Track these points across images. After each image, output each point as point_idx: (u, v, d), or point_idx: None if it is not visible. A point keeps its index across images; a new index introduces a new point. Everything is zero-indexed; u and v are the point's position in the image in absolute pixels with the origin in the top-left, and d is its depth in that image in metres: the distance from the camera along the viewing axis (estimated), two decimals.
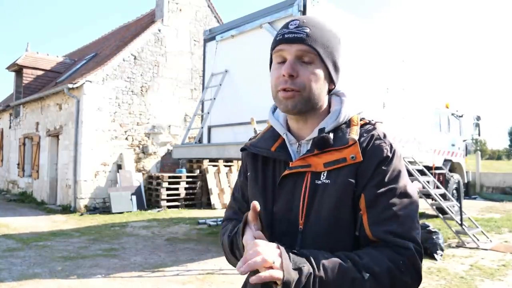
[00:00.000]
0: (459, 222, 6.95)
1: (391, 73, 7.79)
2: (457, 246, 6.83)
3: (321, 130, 1.06)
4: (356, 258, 0.92)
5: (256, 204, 0.97)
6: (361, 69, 7.02)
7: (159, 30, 12.40)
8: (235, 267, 1.00)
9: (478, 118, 11.62)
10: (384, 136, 1.06)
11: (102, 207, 10.92)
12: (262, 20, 6.48)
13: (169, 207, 11.39)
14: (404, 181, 1.02)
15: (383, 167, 1.00)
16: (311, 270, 0.87)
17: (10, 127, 16.29)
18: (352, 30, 6.92)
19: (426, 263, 5.71)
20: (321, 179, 1.02)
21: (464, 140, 11.40)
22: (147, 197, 11.53)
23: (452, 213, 7.31)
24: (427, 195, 7.87)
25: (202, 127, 7.54)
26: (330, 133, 1.06)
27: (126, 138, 11.57)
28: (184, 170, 12.12)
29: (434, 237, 6.08)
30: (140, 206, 10.97)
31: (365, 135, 1.05)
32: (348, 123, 1.09)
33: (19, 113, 15.31)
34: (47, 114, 12.81)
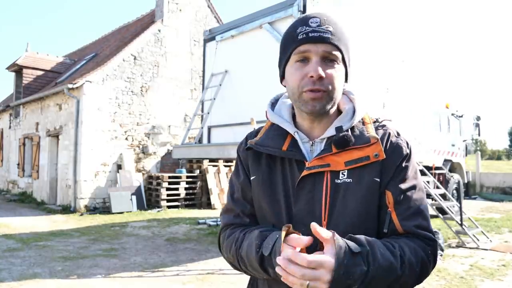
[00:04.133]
0: (459, 222, 6.94)
1: (391, 73, 7.79)
2: (457, 246, 6.83)
3: (339, 129, 1.04)
4: (402, 252, 0.95)
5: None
6: (361, 69, 7.02)
7: (159, 30, 12.40)
8: (258, 276, 1.06)
9: (478, 118, 11.61)
10: (398, 133, 1.09)
11: (102, 207, 10.92)
12: (262, 20, 6.48)
13: (169, 207, 11.39)
14: (420, 177, 1.08)
15: (404, 164, 1.04)
16: (364, 271, 0.87)
17: (10, 127, 16.29)
18: (352, 30, 6.91)
19: None
20: (341, 178, 1.01)
21: (464, 140, 11.40)
22: (147, 197, 11.53)
23: (452, 213, 7.31)
24: (427, 195, 7.86)
25: (202, 127, 7.53)
26: (348, 132, 1.05)
27: (126, 138, 11.57)
28: (184, 170, 12.12)
29: (434, 237, 6.07)
30: (140, 206, 10.97)
31: (380, 133, 1.07)
32: (362, 121, 1.10)
33: (19, 113, 15.30)
34: (47, 114, 12.81)
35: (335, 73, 1.02)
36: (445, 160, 10.21)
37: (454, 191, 10.06)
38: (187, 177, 11.93)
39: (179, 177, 11.73)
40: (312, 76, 0.99)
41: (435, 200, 7.45)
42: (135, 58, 11.85)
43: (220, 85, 7.19)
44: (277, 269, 0.89)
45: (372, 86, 7.29)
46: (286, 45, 1.06)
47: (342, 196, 1.00)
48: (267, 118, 1.18)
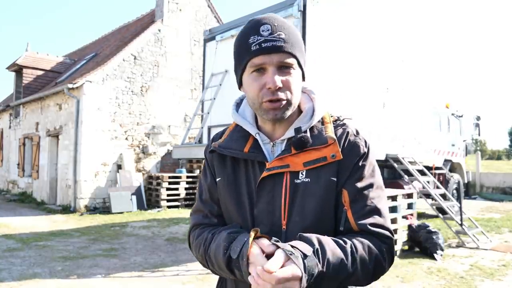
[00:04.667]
0: (459, 222, 6.94)
1: (391, 73, 7.79)
2: (457, 246, 6.83)
3: (298, 130, 1.05)
4: (353, 249, 0.97)
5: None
6: (361, 69, 7.02)
7: (159, 30, 12.40)
8: (217, 274, 1.10)
9: (478, 118, 11.62)
10: (357, 132, 1.09)
11: (102, 207, 10.92)
12: None
13: (169, 207, 11.39)
14: (379, 175, 1.09)
15: (361, 163, 1.05)
16: (319, 269, 0.90)
17: (10, 127, 16.28)
18: (352, 30, 6.92)
19: (426, 263, 5.71)
20: (300, 178, 1.03)
21: (464, 140, 11.40)
22: (147, 197, 11.54)
23: (452, 213, 7.31)
24: (427, 195, 7.87)
25: (202, 127, 7.53)
26: (307, 132, 1.06)
27: (126, 138, 11.57)
28: (184, 170, 12.12)
29: (434, 237, 6.08)
30: (140, 206, 10.97)
31: (339, 132, 1.08)
32: (321, 121, 1.10)
33: (19, 113, 15.30)
34: (47, 114, 12.81)
35: (292, 80, 1.01)
36: (445, 160, 10.21)
37: (454, 191, 10.06)
38: (187, 177, 11.93)
39: (179, 177, 11.73)
40: (270, 88, 1.00)
41: (435, 200, 7.45)
42: (135, 58, 11.85)
43: (220, 85, 7.19)
44: (250, 279, 0.91)
45: (372, 86, 7.29)
46: (240, 55, 1.06)
47: (301, 196, 1.02)
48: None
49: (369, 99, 7.25)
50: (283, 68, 1.01)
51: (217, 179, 1.14)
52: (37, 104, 13.48)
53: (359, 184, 1.03)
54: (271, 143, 1.09)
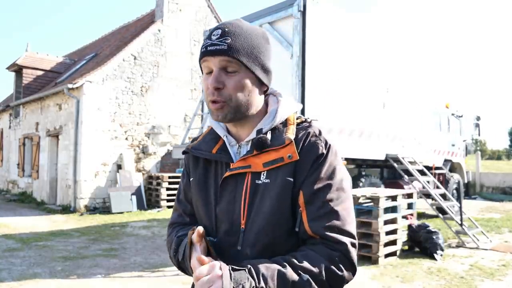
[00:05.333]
0: (459, 222, 6.95)
1: (391, 73, 7.79)
2: (457, 246, 6.83)
3: (259, 131, 1.08)
4: (295, 262, 0.95)
5: (200, 229, 1.01)
6: (361, 69, 7.02)
7: (159, 30, 12.40)
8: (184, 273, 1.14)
9: (478, 118, 11.62)
10: (320, 133, 1.08)
11: (102, 207, 10.92)
12: (262, 20, 6.48)
13: (169, 207, 11.38)
14: (340, 177, 1.05)
15: (318, 164, 1.04)
16: (253, 284, 0.90)
17: (10, 127, 16.29)
18: (352, 30, 6.92)
19: (426, 263, 5.72)
20: (261, 179, 1.05)
21: (464, 140, 11.40)
22: (147, 197, 11.54)
23: (452, 213, 7.31)
24: (427, 195, 7.88)
25: (202, 127, 7.54)
26: (268, 133, 1.08)
27: (126, 138, 11.57)
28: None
29: (434, 237, 6.08)
30: (140, 206, 10.97)
31: (301, 133, 1.08)
32: (285, 123, 1.11)
33: (19, 113, 15.30)
34: (47, 114, 12.81)
35: (234, 84, 1.04)
36: (445, 160, 10.21)
37: (454, 191, 10.06)
38: None
39: (179, 177, 11.70)
40: (209, 88, 1.05)
41: (435, 200, 7.45)
42: (135, 58, 11.85)
43: None
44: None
45: (372, 86, 7.29)
46: (199, 56, 1.12)
47: (260, 196, 1.04)
48: None
49: (369, 99, 7.24)
50: (228, 71, 1.05)
51: (191, 179, 1.20)
52: (37, 104, 13.48)
53: (315, 186, 1.02)
54: (237, 145, 1.13)
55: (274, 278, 0.92)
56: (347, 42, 6.74)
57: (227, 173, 1.08)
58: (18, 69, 15.16)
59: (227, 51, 1.02)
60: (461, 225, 6.94)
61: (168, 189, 11.42)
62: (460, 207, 7.18)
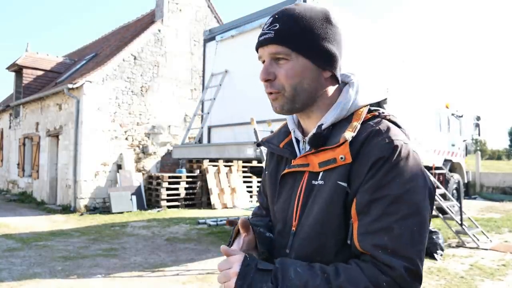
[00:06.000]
0: (459, 222, 6.95)
1: (391, 73, 7.79)
2: (457, 246, 6.83)
3: (320, 126, 0.99)
4: (332, 276, 0.83)
5: (243, 219, 1.01)
6: (361, 69, 7.02)
7: (159, 30, 12.40)
8: None
9: (478, 118, 11.62)
10: (387, 131, 0.91)
11: (102, 207, 10.92)
12: (262, 20, 6.48)
13: (169, 207, 11.39)
14: (408, 187, 0.85)
15: (377, 168, 0.87)
16: (270, 287, 0.84)
17: (10, 127, 16.29)
18: (352, 30, 6.92)
19: (426, 263, 5.71)
20: (318, 180, 0.96)
21: (464, 140, 11.40)
22: (147, 197, 11.54)
23: (452, 213, 7.31)
24: None
25: (202, 127, 7.54)
26: (331, 129, 0.98)
27: (126, 138, 11.57)
28: (184, 170, 12.12)
29: (434, 237, 6.08)
30: (140, 206, 10.97)
31: (367, 131, 0.93)
32: (351, 117, 0.98)
33: (19, 113, 15.30)
34: (47, 114, 12.81)
35: (285, 72, 0.96)
36: (445, 160, 10.21)
37: (454, 191, 10.06)
38: (187, 177, 11.93)
39: (179, 177, 11.73)
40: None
41: (435, 200, 7.45)
42: (135, 58, 11.85)
43: (220, 85, 7.19)
44: None
45: (372, 86, 7.29)
46: None
47: (313, 198, 0.95)
48: None
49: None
50: (279, 60, 0.98)
51: (266, 172, 1.17)
52: (37, 104, 13.48)
53: (371, 195, 0.86)
54: (303, 140, 1.06)
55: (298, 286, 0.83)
56: (347, 42, 6.74)
57: (286, 170, 1.02)
58: (18, 69, 15.16)
59: (273, 38, 0.96)
60: (461, 225, 6.94)
61: (168, 189, 11.42)
62: (460, 207, 7.18)
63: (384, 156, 0.87)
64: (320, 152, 0.96)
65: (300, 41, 0.95)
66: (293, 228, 0.99)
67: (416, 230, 0.83)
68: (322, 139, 0.96)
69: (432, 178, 8.15)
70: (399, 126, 0.97)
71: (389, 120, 0.97)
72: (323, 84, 1.00)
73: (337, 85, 1.03)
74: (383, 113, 0.98)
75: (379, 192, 0.85)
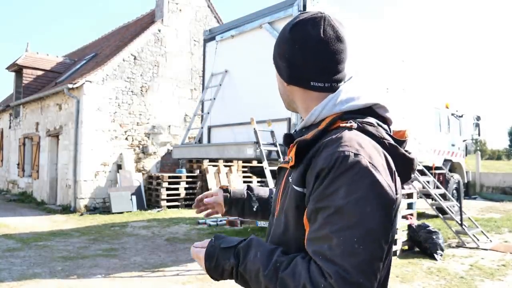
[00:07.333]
0: (459, 222, 6.95)
1: (391, 73, 7.79)
2: (457, 246, 6.83)
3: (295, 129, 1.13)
4: (282, 267, 0.88)
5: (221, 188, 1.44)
6: (360, 69, 7.02)
7: (159, 30, 12.40)
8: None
9: (478, 118, 11.62)
10: (338, 140, 0.90)
11: (102, 207, 10.92)
12: (262, 20, 6.48)
13: (169, 207, 11.39)
14: (351, 199, 0.83)
15: (322, 179, 0.87)
16: (233, 264, 0.97)
17: (10, 127, 16.29)
18: (352, 30, 6.92)
19: (426, 263, 5.72)
20: (291, 176, 1.01)
21: (464, 140, 11.40)
22: (147, 197, 11.54)
23: (452, 213, 7.31)
24: (427, 195, 7.87)
25: (202, 127, 7.54)
26: (304, 131, 1.04)
27: (126, 138, 11.57)
28: (184, 170, 12.12)
29: (434, 237, 6.08)
30: (140, 206, 10.97)
31: (327, 138, 0.94)
32: (319, 124, 0.99)
33: (19, 113, 15.31)
34: (47, 114, 12.81)
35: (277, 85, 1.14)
36: (445, 160, 10.21)
37: (454, 191, 10.06)
38: (187, 177, 11.93)
39: (179, 177, 11.73)
40: None
41: (435, 200, 7.45)
42: (135, 58, 11.85)
43: (220, 85, 7.19)
44: None
45: (372, 86, 7.29)
46: None
47: (286, 193, 1.01)
48: None
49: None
50: None
51: None
52: (37, 104, 13.48)
53: (314, 203, 0.87)
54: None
55: (251, 273, 0.92)
56: (346, 42, 6.74)
57: (279, 165, 1.13)
58: (18, 69, 15.16)
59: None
60: (461, 225, 6.94)
61: (168, 189, 11.42)
62: (460, 207, 7.18)
63: (326, 167, 0.87)
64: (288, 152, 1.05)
65: (276, 58, 1.10)
66: (274, 218, 1.08)
67: (356, 241, 0.81)
68: (291, 140, 1.03)
69: (432, 178, 8.15)
70: (374, 135, 0.95)
71: (361, 129, 0.95)
72: (293, 94, 1.09)
73: (320, 92, 1.03)
74: (349, 123, 0.96)
75: (322, 202, 0.86)
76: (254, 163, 11.58)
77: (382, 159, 0.90)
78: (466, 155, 11.71)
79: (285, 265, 0.88)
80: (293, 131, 1.12)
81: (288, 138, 1.05)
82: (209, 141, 7.52)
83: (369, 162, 0.86)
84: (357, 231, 0.82)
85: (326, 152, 0.89)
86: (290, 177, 1.01)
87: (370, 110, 1.02)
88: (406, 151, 1.00)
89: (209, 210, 1.47)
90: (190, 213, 10.79)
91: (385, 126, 1.01)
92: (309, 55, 1.02)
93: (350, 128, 0.94)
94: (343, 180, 0.85)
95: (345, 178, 0.85)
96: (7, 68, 15.55)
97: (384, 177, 0.86)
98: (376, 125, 0.98)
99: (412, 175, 1.00)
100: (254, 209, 1.42)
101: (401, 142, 1.01)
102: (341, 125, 0.96)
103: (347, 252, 0.81)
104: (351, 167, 0.85)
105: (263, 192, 1.45)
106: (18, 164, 14.79)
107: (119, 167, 11.30)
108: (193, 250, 1.08)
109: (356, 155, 0.86)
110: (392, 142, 0.98)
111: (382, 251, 0.84)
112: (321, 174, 0.87)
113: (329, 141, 0.91)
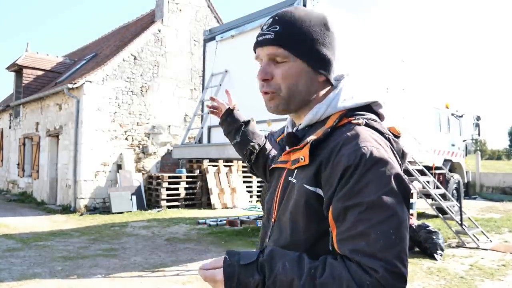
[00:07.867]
0: (459, 222, 6.95)
1: (391, 73, 7.79)
2: (457, 246, 6.83)
3: (297, 128, 1.07)
4: (318, 272, 0.84)
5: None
6: (360, 69, 7.02)
7: (159, 30, 12.40)
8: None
9: (478, 118, 11.62)
10: (355, 137, 0.91)
11: (102, 207, 10.92)
12: (262, 20, 6.48)
13: (169, 207, 11.39)
14: (381, 192, 0.85)
15: (348, 177, 0.87)
16: (259, 279, 0.86)
17: (10, 127, 16.29)
18: (352, 30, 6.92)
19: (426, 263, 5.71)
20: (293, 177, 0.99)
21: (464, 140, 11.41)
22: (147, 197, 11.54)
23: (452, 213, 7.31)
24: (427, 195, 7.87)
25: (202, 127, 7.53)
26: (307, 130, 1.03)
27: (126, 138, 11.57)
28: (184, 170, 12.12)
29: (434, 237, 6.08)
30: (140, 206, 10.97)
31: (336, 138, 0.93)
32: (325, 121, 0.99)
33: (19, 113, 15.31)
34: (47, 114, 12.81)
35: (282, 73, 0.99)
36: (445, 160, 10.21)
37: (454, 191, 10.06)
38: (187, 177, 11.93)
39: (179, 177, 11.73)
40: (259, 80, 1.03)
41: (435, 200, 7.45)
42: (135, 58, 11.85)
43: (220, 85, 7.19)
44: None
45: (372, 86, 7.29)
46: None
47: (288, 193, 0.99)
48: None
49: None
50: (278, 63, 1.00)
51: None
52: (37, 104, 13.48)
53: (344, 203, 0.86)
54: None
55: (284, 284, 0.84)
56: (346, 42, 6.74)
57: (273, 165, 1.10)
58: (18, 69, 15.16)
59: (273, 40, 0.98)
60: (461, 225, 6.94)
61: (168, 189, 11.42)
62: (460, 207, 7.18)
63: (352, 164, 0.87)
64: (296, 151, 1.01)
65: (299, 45, 0.98)
66: (273, 220, 1.05)
67: (393, 233, 0.83)
68: (295, 139, 1.01)
69: (432, 178, 8.15)
70: (380, 131, 0.97)
71: (368, 125, 0.96)
72: (316, 87, 1.03)
73: (328, 88, 1.05)
74: (359, 119, 0.97)
75: (353, 199, 0.86)
76: None
77: (392, 153, 0.94)
78: (466, 155, 11.72)
79: (321, 270, 0.84)
80: (295, 129, 1.08)
81: (293, 138, 1.02)
82: (209, 141, 7.52)
83: (389, 157, 0.89)
84: (392, 223, 0.84)
85: (347, 150, 0.89)
86: (291, 178, 1.00)
87: (368, 107, 1.03)
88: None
89: (214, 109, 1.72)
90: (190, 213, 10.79)
91: (382, 122, 1.04)
92: (334, 50, 1.05)
93: (359, 125, 0.95)
94: (370, 177, 0.86)
95: (371, 174, 0.86)
96: (7, 68, 15.55)
97: (401, 170, 0.92)
98: (379, 121, 1.01)
99: (403, 167, 1.01)
100: (233, 142, 1.49)
101: (398, 137, 1.04)
102: (352, 121, 0.96)
103: (388, 245, 0.82)
104: (376, 162, 0.87)
105: (259, 138, 1.44)
106: (18, 164, 14.79)
107: (119, 167, 11.31)
108: (204, 273, 0.91)
109: (378, 150, 0.88)
110: (393, 137, 1.01)
111: (408, 239, 0.87)
112: (347, 172, 0.87)
113: (346, 139, 0.91)
